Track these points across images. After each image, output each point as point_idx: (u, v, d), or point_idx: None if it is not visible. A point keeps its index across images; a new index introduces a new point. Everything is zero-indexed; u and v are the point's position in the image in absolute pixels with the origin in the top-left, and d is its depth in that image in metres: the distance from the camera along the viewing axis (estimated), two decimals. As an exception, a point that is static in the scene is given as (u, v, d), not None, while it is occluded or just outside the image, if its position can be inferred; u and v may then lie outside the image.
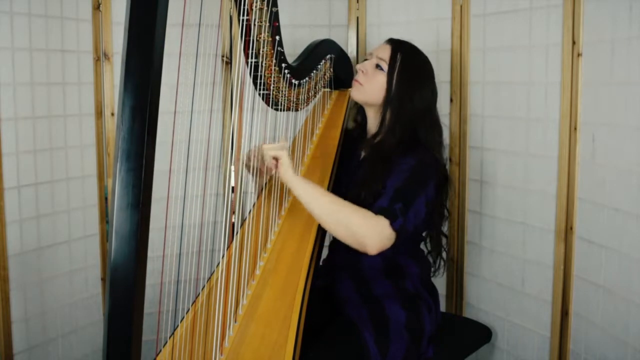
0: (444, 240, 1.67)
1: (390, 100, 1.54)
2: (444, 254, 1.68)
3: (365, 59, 1.62)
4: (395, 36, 1.63)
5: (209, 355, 1.23)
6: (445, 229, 1.65)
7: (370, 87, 1.57)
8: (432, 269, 1.67)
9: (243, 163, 1.65)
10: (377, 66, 1.56)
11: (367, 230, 1.36)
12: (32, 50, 1.80)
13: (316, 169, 1.66)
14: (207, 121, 2.02)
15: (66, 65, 1.90)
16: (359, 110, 1.74)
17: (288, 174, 1.40)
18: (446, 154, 2.04)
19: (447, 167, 2.05)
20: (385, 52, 1.56)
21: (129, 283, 0.83)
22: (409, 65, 1.55)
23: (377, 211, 1.38)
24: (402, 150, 1.51)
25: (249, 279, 1.40)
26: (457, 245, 2.09)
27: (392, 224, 1.36)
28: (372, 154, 1.56)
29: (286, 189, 1.63)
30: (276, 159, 1.40)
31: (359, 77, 1.59)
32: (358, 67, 1.61)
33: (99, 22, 1.95)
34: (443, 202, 1.60)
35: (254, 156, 1.56)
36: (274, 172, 1.46)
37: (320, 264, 1.68)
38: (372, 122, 1.64)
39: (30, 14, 1.78)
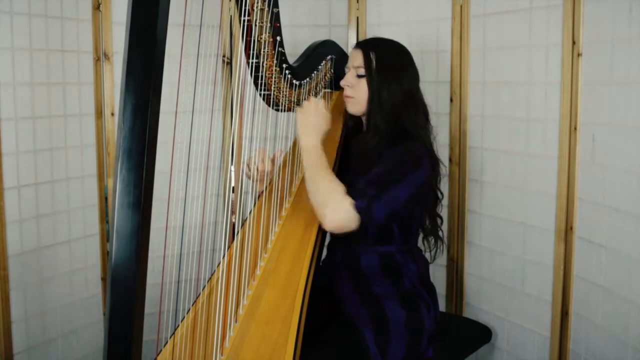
0: (438, 221, 1.66)
1: (372, 98, 1.55)
2: (440, 233, 1.67)
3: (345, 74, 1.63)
4: (395, 37, 1.63)
5: (210, 355, 1.23)
6: (439, 210, 1.65)
7: (360, 97, 1.57)
8: (431, 252, 1.67)
9: (243, 171, 1.65)
10: (358, 75, 1.57)
11: (331, 201, 1.39)
12: (32, 50, 1.79)
13: None
14: (208, 122, 2.02)
15: (66, 65, 1.89)
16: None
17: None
18: (446, 153, 2.05)
19: (447, 167, 2.05)
20: (359, 58, 1.57)
21: (129, 283, 0.83)
22: (383, 61, 1.55)
23: (350, 191, 1.40)
24: (389, 142, 1.51)
25: (250, 279, 1.40)
26: (457, 245, 2.09)
27: (355, 204, 1.38)
28: (359, 154, 1.57)
29: (286, 189, 1.64)
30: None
31: (346, 91, 1.60)
32: (342, 83, 1.61)
33: (99, 22, 1.95)
34: (436, 184, 1.60)
35: (254, 163, 1.57)
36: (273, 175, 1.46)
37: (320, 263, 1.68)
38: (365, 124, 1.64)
39: (30, 14, 1.78)
